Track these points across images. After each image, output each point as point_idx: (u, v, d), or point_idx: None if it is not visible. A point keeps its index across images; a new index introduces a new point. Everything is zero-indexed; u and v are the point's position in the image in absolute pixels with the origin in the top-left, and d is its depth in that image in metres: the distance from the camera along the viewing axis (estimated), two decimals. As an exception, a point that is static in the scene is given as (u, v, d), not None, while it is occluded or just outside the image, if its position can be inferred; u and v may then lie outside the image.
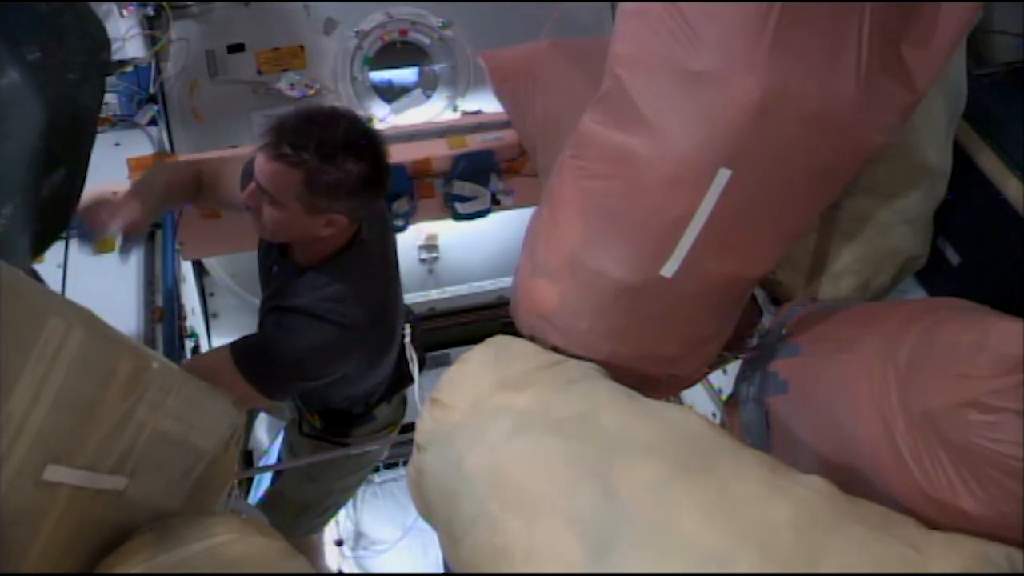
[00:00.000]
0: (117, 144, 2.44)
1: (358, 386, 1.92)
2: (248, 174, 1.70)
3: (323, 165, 1.52)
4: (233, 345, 1.64)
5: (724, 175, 1.33)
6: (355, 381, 1.85)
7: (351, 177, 1.55)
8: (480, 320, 2.96)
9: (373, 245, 1.74)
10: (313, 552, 2.65)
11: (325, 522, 2.59)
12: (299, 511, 2.22)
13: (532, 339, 1.64)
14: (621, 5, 1.39)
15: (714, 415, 2.51)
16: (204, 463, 1.36)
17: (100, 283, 2.06)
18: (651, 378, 1.61)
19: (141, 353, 1.07)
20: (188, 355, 2.21)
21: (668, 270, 1.43)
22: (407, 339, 1.72)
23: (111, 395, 1.00)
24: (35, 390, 0.87)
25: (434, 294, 2.90)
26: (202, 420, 1.31)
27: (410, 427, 1.68)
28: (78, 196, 1.57)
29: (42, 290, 0.92)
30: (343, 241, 1.68)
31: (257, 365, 1.62)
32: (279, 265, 1.78)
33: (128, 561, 1.06)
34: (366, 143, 1.59)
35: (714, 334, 1.66)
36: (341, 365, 1.71)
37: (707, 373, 2.15)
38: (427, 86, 2.69)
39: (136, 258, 2.17)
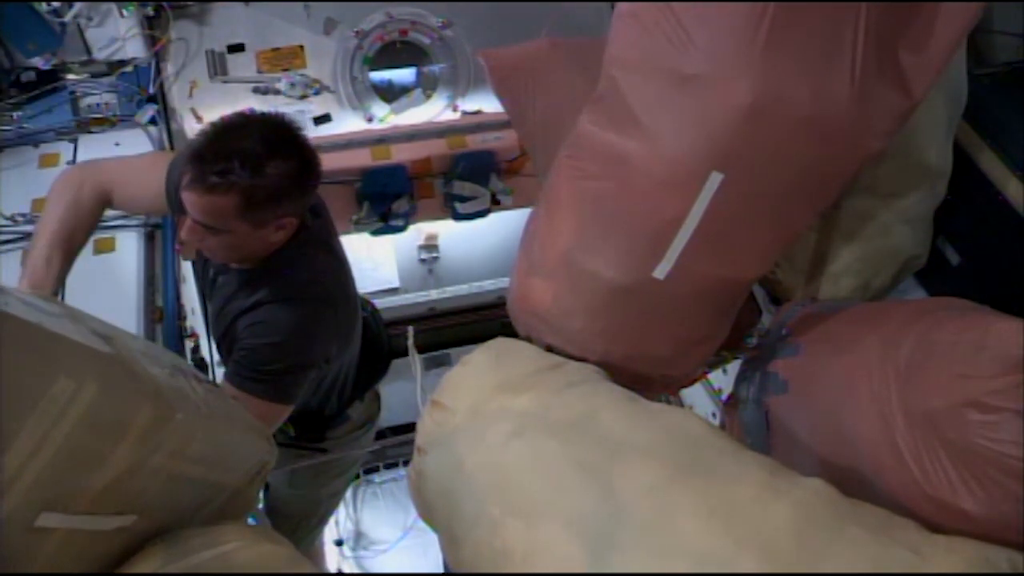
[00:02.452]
0: (117, 144, 2.44)
1: (336, 367, 1.88)
2: (176, 187, 1.63)
3: (255, 180, 1.48)
4: (228, 377, 1.61)
5: (716, 179, 1.32)
6: (336, 360, 1.82)
7: (286, 179, 1.52)
8: (480, 320, 2.95)
9: (314, 229, 1.71)
10: (316, 559, 2.65)
11: (323, 529, 2.58)
12: (295, 524, 2.21)
13: (528, 338, 1.64)
14: (617, 6, 1.38)
15: (714, 415, 2.51)
16: (225, 496, 1.32)
17: (100, 283, 2.06)
18: (645, 377, 1.61)
19: (164, 404, 1.01)
20: (188, 355, 2.21)
21: (660, 272, 1.43)
22: (409, 341, 1.71)
23: (122, 446, 0.96)
24: (34, 446, 0.85)
25: (434, 294, 2.90)
26: (227, 459, 1.27)
27: (410, 428, 1.68)
28: None
29: (58, 346, 0.87)
30: (291, 236, 1.66)
31: (260, 375, 1.59)
32: (223, 273, 1.74)
33: (138, 569, 1.06)
34: (286, 138, 1.55)
35: (708, 335, 1.65)
36: (330, 338, 1.69)
37: (706, 373, 2.15)
38: (427, 86, 2.69)
39: (136, 258, 2.17)
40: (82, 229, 1.74)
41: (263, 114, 1.60)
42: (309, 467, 2.06)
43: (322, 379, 1.85)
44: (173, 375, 1.17)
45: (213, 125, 1.56)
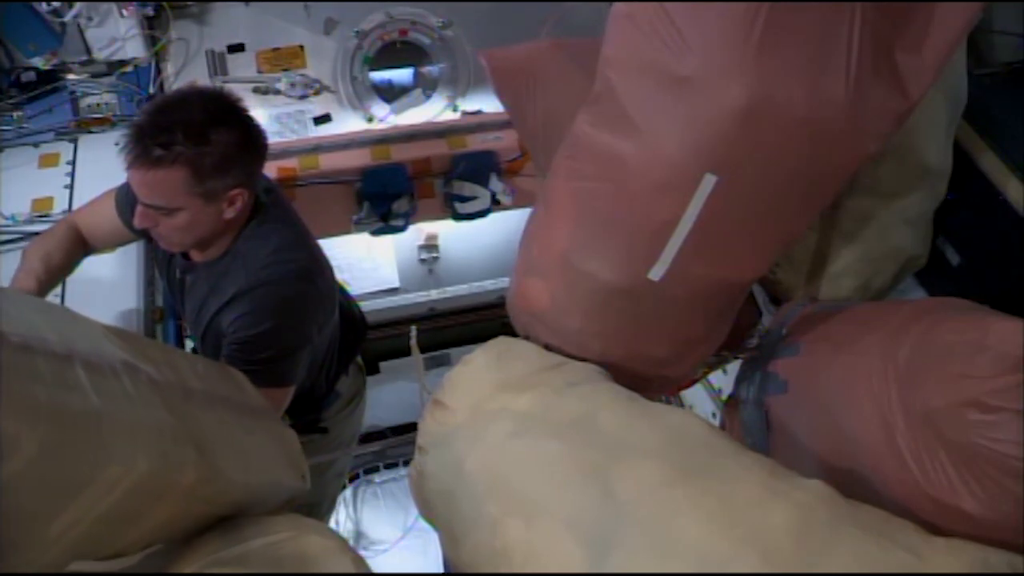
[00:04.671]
0: (117, 144, 2.43)
1: (326, 337, 1.89)
2: (126, 203, 1.66)
3: (200, 148, 1.48)
4: None
5: (710, 181, 1.31)
6: (326, 328, 1.82)
7: (231, 147, 1.52)
8: (480, 320, 2.95)
9: (270, 206, 1.71)
10: None
11: (332, 515, 2.59)
12: (308, 512, 2.21)
13: (527, 338, 1.64)
14: (613, 6, 1.37)
15: (714, 415, 2.51)
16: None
17: (100, 283, 2.06)
18: (644, 378, 1.60)
19: (208, 465, 1.03)
20: (188, 355, 2.20)
21: (656, 273, 1.42)
22: (411, 340, 1.71)
23: (162, 505, 0.98)
24: (76, 519, 0.85)
25: (434, 294, 2.90)
26: (259, 499, 1.28)
27: (410, 428, 1.68)
28: None
29: (113, 434, 0.87)
30: (246, 216, 1.65)
31: (257, 364, 1.58)
32: (189, 273, 1.74)
33: (196, 554, 1.09)
34: (227, 108, 1.56)
35: (706, 336, 1.65)
36: (316, 310, 1.69)
37: (706, 374, 2.15)
38: (426, 86, 2.69)
39: (136, 258, 2.17)
40: (57, 251, 1.78)
41: (200, 88, 1.61)
42: (310, 447, 2.05)
43: (314, 356, 1.85)
44: (224, 418, 1.18)
45: (152, 102, 1.57)
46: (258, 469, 1.23)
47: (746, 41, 1.22)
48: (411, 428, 1.60)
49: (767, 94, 1.24)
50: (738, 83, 1.24)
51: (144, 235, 1.76)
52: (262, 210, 1.68)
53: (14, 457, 0.73)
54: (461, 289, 2.90)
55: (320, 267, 1.77)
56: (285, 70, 2.60)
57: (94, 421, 0.84)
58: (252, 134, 1.59)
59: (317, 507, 2.28)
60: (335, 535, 1.23)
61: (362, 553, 3.55)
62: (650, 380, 1.65)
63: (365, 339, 2.16)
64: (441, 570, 1.62)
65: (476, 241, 2.90)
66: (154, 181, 1.49)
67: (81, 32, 2.42)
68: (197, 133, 1.48)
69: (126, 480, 0.87)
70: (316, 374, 1.94)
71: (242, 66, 2.59)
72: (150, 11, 2.48)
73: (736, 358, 1.95)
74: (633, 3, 1.32)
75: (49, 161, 2.41)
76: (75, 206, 2.26)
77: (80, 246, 1.83)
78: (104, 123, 2.48)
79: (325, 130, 2.59)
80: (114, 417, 0.88)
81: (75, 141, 2.46)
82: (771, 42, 1.22)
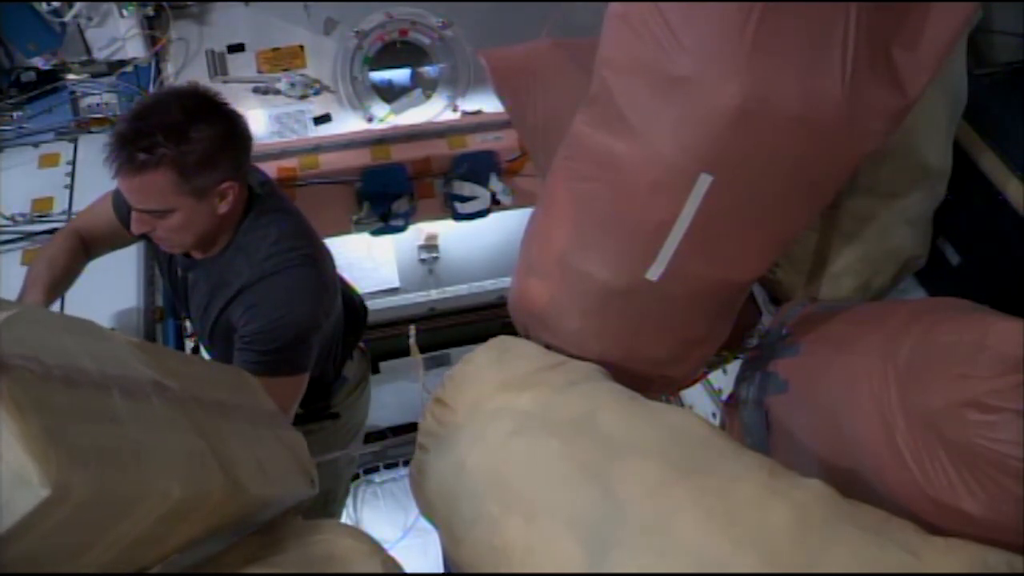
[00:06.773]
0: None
1: (330, 323, 1.89)
2: (123, 204, 1.66)
3: (183, 148, 1.49)
4: (239, 366, 1.61)
5: (705, 181, 1.31)
6: (334, 311, 1.83)
7: (214, 141, 1.53)
8: (480, 320, 2.95)
9: (264, 195, 1.71)
10: None
11: (346, 500, 2.61)
12: (325, 502, 2.22)
13: (527, 337, 1.64)
14: (608, 7, 1.37)
15: (714, 415, 2.51)
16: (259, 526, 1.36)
17: (100, 283, 2.06)
18: (644, 378, 1.60)
19: (233, 486, 1.02)
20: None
21: (653, 274, 1.42)
22: (411, 340, 1.71)
23: (187, 525, 0.98)
24: (106, 549, 0.85)
25: (434, 294, 2.90)
26: (272, 509, 1.29)
27: (410, 428, 1.68)
28: None
29: (148, 469, 0.86)
30: (242, 207, 1.66)
31: (270, 354, 1.59)
32: (192, 270, 1.75)
33: (233, 555, 1.11)
34: (206, 104, 1.57)
35: (706, 337, 1.64)
36: (322, 294, 1.70)
37: (706, 374, 2.16)
38: (426, 86, 2.70)
39: (136, 258, 2.17)
40: (60, 255, 1.79)
41: (177, 87, 1.63)
42: (317, 439, 2.05)
43: (321, 342, 1.85)
44: (243, 430, 1.18)
45: (130, 109, 1.59)
46: (274, 480, 1.23)
47: (740, 40, 1.22)
48: (411, 428, 1.60)
49: (762, 93, 1.24)
50: (733, 83, 1.23)
51: (143, 235, 1.77)
52: (258, 202, 1.69)
53: (65, 503, 0.72)
54: (461, 289, 2.90)
55: (321, 253, 1.78)
56: (285, 70, 2.60)
57: (134, 455, 0.85)
58: (234, 126, 1.59)
59: (334, 492, 2.29)
60: (368, 538, 1.24)
61: (362, 553, 3.52)
62: (651, 380, 1.65)
63: (366, 323, 2.17)
64: (441, 570, 1.62)
65: (476, 241, 2.89)
66: (142, 186, 1.50)
67: (81, 32, 2.43)
68: (177, 133, 1.49)
69: (159, 509, 0.88)
70: (324, 360, 1.95)
71: (242, 66, 2.59)
72: (150, 11, 2.48)
73: (736, 358, 1.95)
74: (627, 3, 1.32)
75: (49, 161, 2.41)
76: (75, 206, 2.27)
77: (82, 251, 1.84)
78: (104, 123, 2.48)
79: (325, 130, 2.59)
80: (151, 447, 0.89)
81: (75, 141, 2.46)
82: (765, 41, 1.22)
